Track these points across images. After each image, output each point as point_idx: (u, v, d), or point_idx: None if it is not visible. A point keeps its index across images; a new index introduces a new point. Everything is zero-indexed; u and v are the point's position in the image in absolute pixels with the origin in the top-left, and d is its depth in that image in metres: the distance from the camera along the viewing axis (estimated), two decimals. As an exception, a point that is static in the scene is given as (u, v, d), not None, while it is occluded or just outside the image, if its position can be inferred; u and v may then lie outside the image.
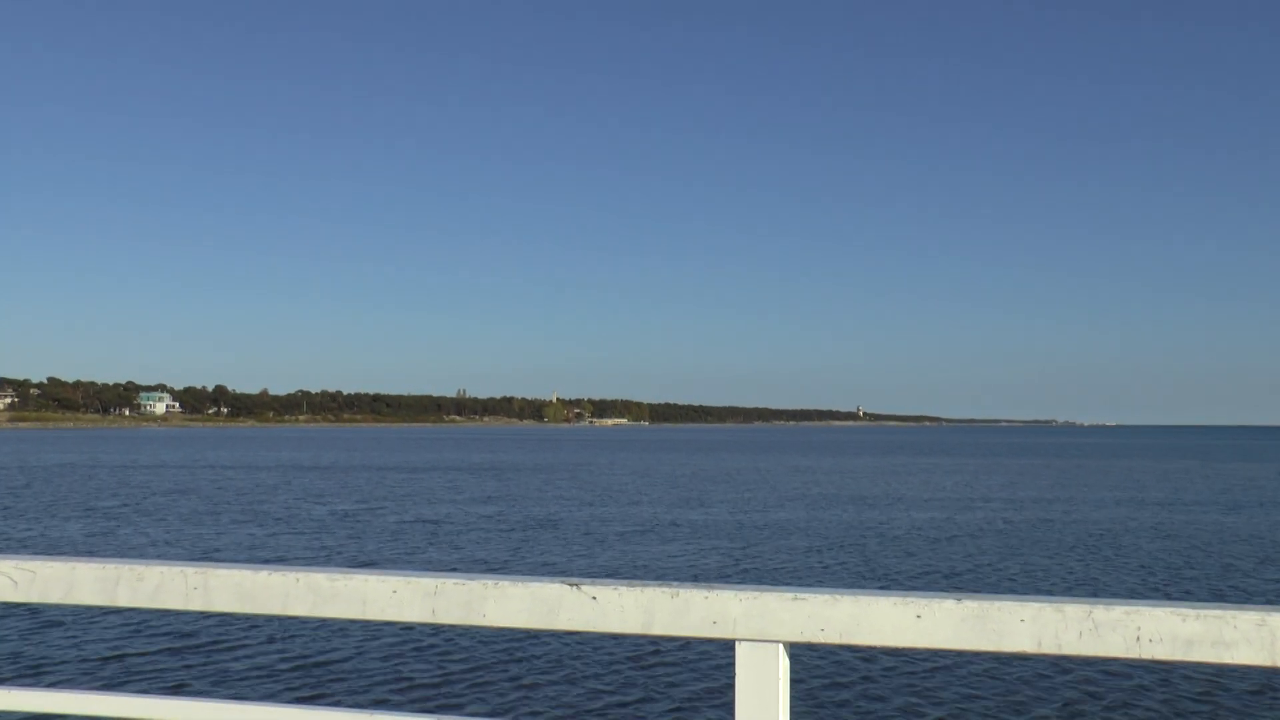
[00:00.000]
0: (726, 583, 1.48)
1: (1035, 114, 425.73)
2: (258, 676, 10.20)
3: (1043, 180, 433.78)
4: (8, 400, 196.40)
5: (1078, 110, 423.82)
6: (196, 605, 1.72)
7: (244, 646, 11.33)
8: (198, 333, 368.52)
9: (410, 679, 10.13)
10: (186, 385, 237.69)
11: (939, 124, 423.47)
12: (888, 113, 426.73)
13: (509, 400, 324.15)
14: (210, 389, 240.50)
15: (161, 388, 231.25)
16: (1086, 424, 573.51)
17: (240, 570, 1.70)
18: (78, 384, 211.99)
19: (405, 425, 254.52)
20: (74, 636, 11.72)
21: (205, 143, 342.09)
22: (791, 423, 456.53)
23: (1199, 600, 1.66)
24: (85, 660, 10.77)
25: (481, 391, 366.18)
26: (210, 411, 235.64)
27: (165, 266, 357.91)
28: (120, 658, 10.89)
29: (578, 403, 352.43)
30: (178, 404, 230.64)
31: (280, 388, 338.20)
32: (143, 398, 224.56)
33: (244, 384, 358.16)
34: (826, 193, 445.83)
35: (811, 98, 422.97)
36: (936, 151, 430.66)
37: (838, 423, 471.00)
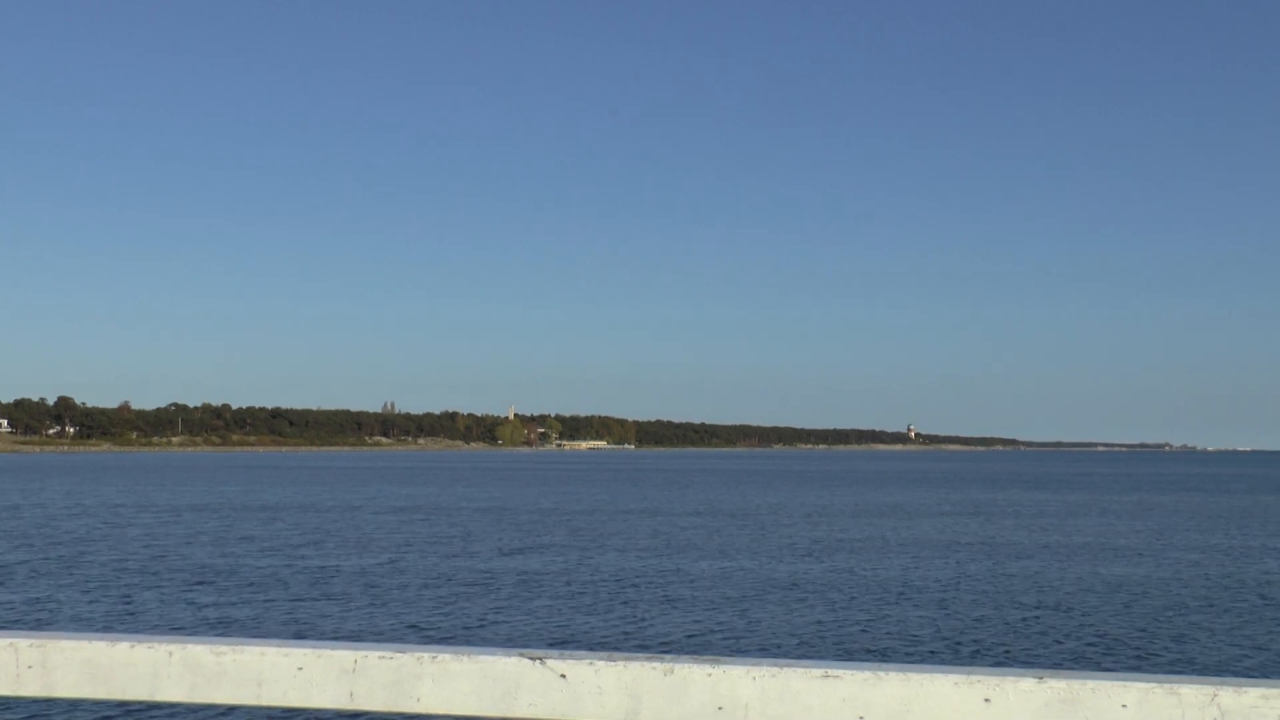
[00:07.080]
0: (735, 655, 1.58)
1: (1129, 102, 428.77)
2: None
3: (1160, 132, 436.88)
4: None
5: (1180, 99, 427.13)
6: (31, 690, 1.63)
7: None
8: (33, 330, 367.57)
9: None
10: (18, 397, 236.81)
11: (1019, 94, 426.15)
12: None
13: (452, 417, 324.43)
14: (51, 402, 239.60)
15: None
16: (1210, 449, 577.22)
17: (92, 642, 1.63)
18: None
19: (315, 449, 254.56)
20: None
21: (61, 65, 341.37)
22: (823, 446, 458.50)
23: None
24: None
25: (416, 406, 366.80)
26: (51, 432, 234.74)
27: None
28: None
29: (542, 420, 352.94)
30: (5, 421, 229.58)
31: (146, 401, 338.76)
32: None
33: (97, 396, 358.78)
34: (868, 159, 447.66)
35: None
36: (1028, 116, 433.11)
37: (883, 446, 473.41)
